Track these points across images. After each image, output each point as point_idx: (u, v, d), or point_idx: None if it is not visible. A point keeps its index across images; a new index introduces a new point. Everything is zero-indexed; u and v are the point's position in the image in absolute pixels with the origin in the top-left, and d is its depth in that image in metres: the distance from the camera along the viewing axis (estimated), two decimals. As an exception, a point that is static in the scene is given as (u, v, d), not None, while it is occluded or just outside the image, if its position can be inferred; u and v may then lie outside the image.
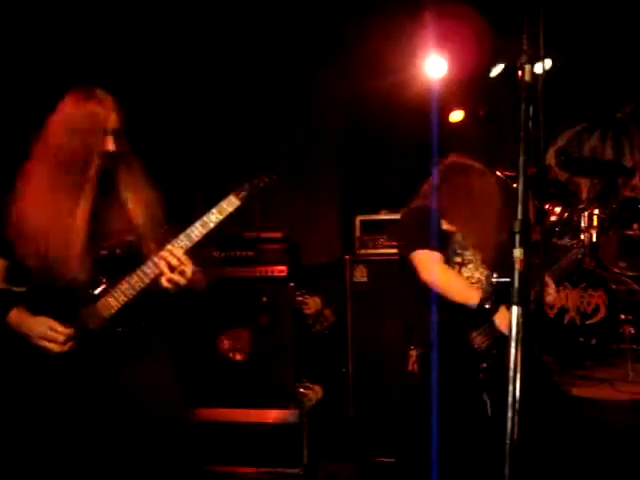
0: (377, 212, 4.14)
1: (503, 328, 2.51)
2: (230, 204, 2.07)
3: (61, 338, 2.09)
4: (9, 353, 2.13)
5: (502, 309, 2.56)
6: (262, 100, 5.09)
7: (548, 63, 4.89)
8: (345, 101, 5.26)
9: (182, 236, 2.07)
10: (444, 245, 2.73)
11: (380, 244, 3.99)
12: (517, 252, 1.43)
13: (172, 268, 2.05)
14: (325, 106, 5.26)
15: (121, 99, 2.25)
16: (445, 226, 2.78)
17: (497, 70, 5.18)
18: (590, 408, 3.11)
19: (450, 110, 5.28)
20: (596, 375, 3.61)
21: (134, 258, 2.15)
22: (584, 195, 4.91)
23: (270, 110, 5.10)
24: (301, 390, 3.67)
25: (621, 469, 2.71)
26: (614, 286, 4.06)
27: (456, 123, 5.28)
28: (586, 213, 4.33)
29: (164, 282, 2.07)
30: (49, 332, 2.09)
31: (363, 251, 4.01)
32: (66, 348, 2.10)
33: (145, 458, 2.13)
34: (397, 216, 4.07)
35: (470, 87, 5.23)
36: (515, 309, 1.45)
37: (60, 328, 2.09)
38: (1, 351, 2.13)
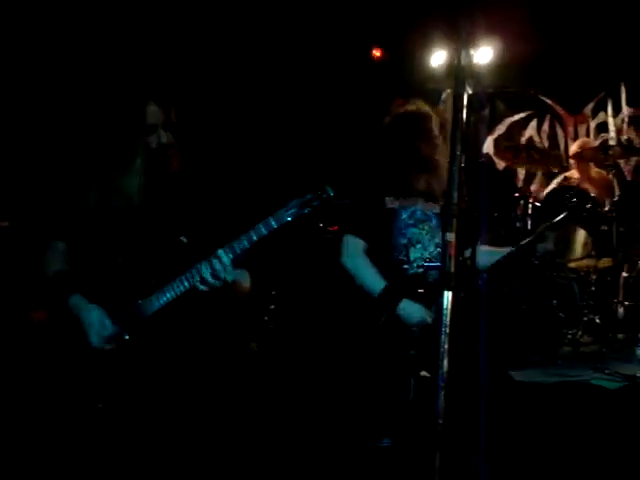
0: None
1: (409, 320, 2.50)
2: (279, 220, 2.09)
3: (107, 334, 2.18)
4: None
5: (404, 302, 2.50)
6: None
7: (489, 51, 4.97)
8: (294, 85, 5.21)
9: (234, 242, 2.11)
10: (387, 227, 2.63)
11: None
12: (449, 236, 1.43)
13: (214, 272, 2.09)
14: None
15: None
16: (390, 204, 2.65)
17: (439, 58, 5.23)
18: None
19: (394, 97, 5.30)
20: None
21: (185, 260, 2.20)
22: (520, 184, 5.02)
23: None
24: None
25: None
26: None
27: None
28: (521, 202, 4.42)
29: (199, 283, 2.11)
30: (98, 325, 2.18)
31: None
32: (108, 347, 2.18)
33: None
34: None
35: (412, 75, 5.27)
36: (447, 293, 1.45)
37: (109, 326, 2.18)
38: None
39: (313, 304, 4.07)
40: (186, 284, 2.15)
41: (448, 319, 1.35)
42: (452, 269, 1.41)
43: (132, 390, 2.19)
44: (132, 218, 2.27)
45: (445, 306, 1.37)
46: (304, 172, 4.64)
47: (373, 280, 2.57)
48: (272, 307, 4.37)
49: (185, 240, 2.25)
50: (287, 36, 4.83)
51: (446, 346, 1.32)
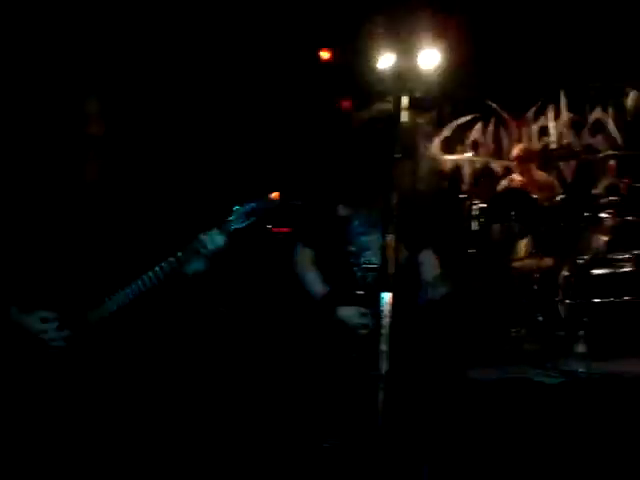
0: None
1: (348, 323, 2.51)
2: (216, 238, 2.12)
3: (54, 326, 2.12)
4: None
5: (340, 308, 2.52)
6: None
7: (435, 55, 5.04)
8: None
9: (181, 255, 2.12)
10: (338, 234, 2.65)
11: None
12: (389, 238, 1.45)
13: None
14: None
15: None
16: (342, 211, 2.63)
17: (386, 61, 5.27)
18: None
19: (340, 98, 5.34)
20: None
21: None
22: (465, 187, 5.12)
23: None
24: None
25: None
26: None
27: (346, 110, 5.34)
28: (467, 203, 4.51)
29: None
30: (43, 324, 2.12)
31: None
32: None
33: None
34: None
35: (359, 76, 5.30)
36: (386, 295, 1.47)
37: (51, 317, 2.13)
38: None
39: (261, 305, 4.06)
40: (142, 286, 2.15)
41: (386, 320, 1.37)
42: (390, 270, 1.43)
43: (87, 393, 2.13)
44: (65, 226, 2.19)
45: (383, 307, 1.39)
46: (254, 177, 4.63)
47: (317, 287, 2.64)
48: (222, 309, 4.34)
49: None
50: (235, 38, 4.82)
51: (384, 347, 1.34)
